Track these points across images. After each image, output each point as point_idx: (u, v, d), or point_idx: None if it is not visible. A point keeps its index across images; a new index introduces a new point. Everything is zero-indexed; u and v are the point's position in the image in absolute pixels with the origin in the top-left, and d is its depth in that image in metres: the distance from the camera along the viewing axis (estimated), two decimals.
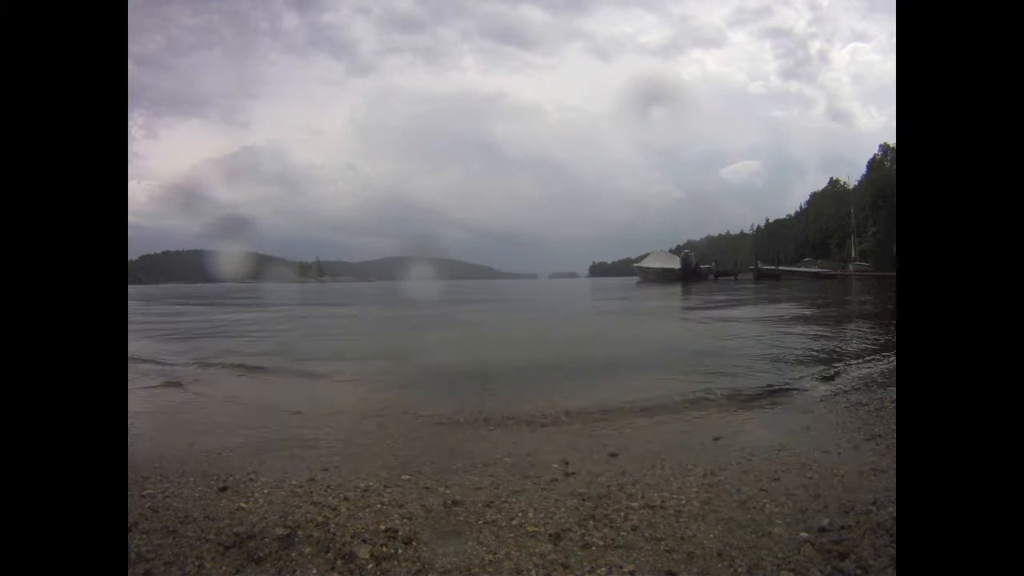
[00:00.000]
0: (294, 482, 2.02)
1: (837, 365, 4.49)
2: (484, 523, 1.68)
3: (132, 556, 1.44)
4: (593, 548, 1.50)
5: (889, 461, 2.08)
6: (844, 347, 5.75)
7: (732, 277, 41.33)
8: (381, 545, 1.53)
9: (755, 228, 76.67)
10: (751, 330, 7.80)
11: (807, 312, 11.16)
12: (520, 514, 1.73)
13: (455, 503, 1.83)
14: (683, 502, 1.79)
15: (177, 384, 4.19)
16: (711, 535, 1.55)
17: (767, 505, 1.74)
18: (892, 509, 1.62)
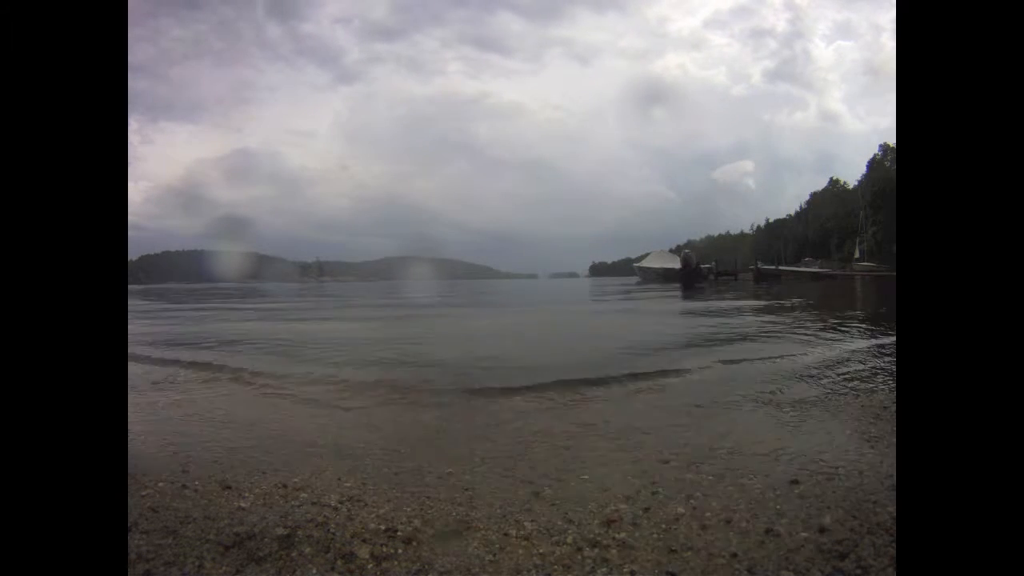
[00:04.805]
0: (295, 481, 2.02)
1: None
2: (484, 523, 1.68)
3: (132, 556, 1.44)
4: (594, 548, 1.50)
5: (889, 461, 2.08)
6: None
7: (732, 277, 41.33)
8: (381, 545, 1.53)
9: (755, 228, 76.75)
10: None
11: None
12: (520, 514, 1.73)
13: (455, 503, 1.83)
14: (684, 502, 1.79)
15: None
16: (711, 535, 1.55)
17: (767, 505, 1.74)
18: (892, 509, 1.62)
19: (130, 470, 2.01)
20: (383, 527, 1.64)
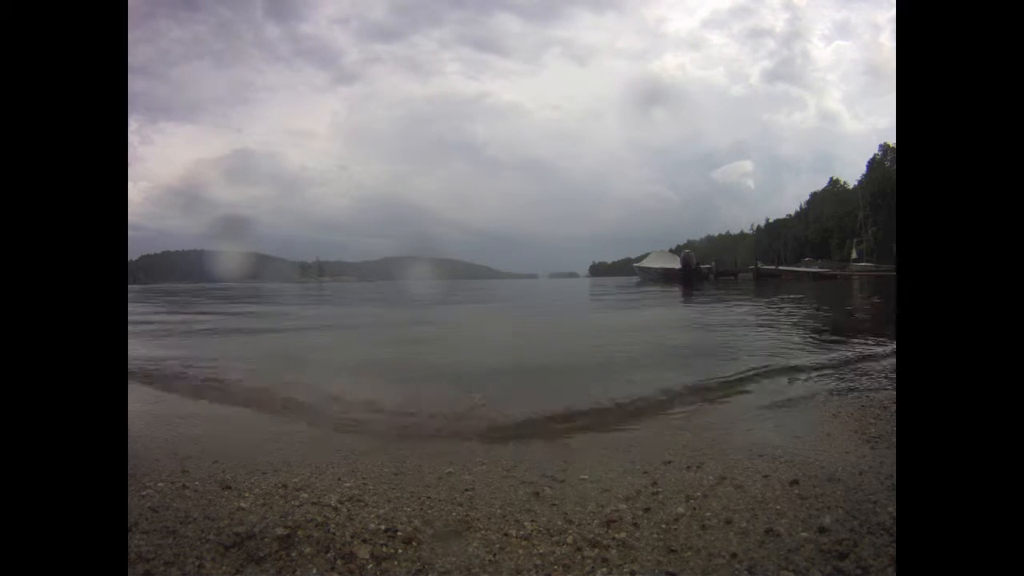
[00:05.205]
0: (295, 481, 2.02)
1: None
2: (484, 523, 1.68)
3: (132, 556, 1.44)
4: (594, 548, 1.50)
5: (889, 461, 2.08)
6: None
7: (732, 277, 41.30)
8: (381, 545, 1.53)
9: (755, 228, 76.69)
10: None
11: None
12: (519, 514, 1.73)
13: (455, 503, 1.83)
14: (684, 502, 1.79)
15: None
16: (711, 535, 1.55)
17: (767, 505, 1.74)
18: (892, 509, 1.62)
19: (130, 470, 2.01)
20: (383, 527, 1.64)
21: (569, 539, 1.56)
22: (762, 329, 7.49)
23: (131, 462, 2.10)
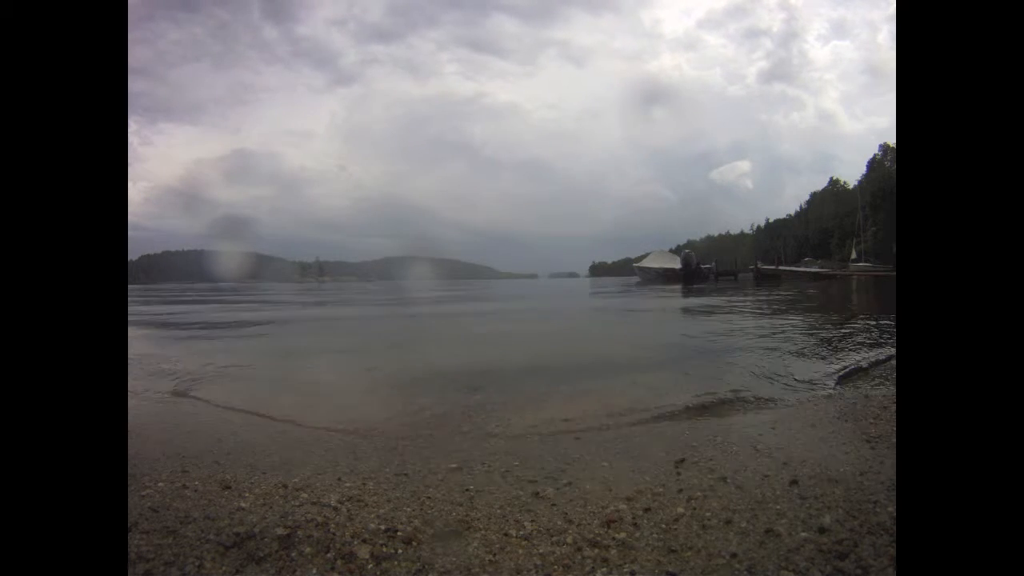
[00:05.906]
0: (295, 481, 2.02)
1: None
2: (484, 523, 1.68)
3: (132, 556, 1.44)
4: (594, 548, 1.50)
5: (889, 461, 2.08)
6: None
7: (732, 277, 41.28)
8: (381, 545, 1.53)
9: (755, 228, 76.73)
10: None
11: None
12: (520, 514, 1.73)
13: (455, 503, 1.83)
14: (684, 502, 1.79)
15: None
16: (711, 535, 1.55)
17: (767, 505, 1.74)
18: (892, 509, 1.62)
19: (130, 470, 2.02)
20: (383, 527, 1.64)
21: (569, 539, 1.56)
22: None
23: (131, 462, 2.10)
